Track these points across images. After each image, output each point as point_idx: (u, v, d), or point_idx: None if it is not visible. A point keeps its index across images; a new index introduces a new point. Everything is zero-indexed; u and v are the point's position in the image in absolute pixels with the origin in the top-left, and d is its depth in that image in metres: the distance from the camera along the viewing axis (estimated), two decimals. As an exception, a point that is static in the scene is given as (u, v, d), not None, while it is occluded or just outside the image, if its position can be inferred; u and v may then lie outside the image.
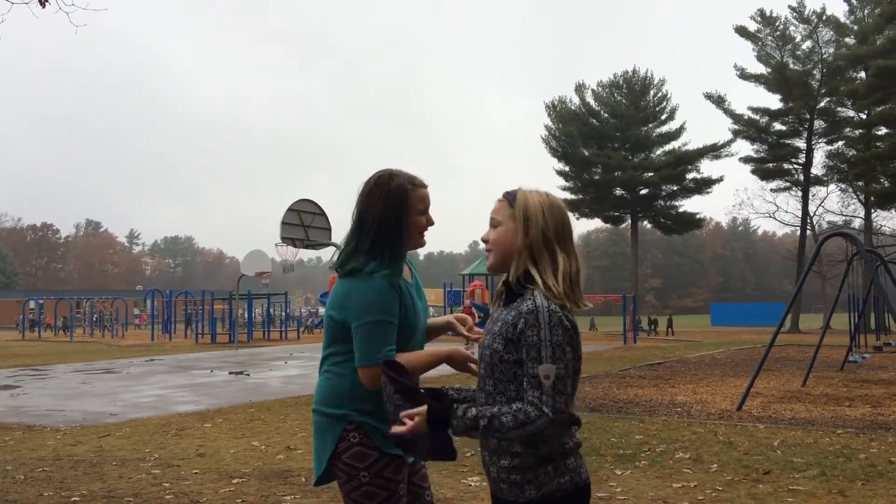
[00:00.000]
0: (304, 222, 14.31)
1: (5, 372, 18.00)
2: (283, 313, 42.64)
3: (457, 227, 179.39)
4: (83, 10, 7.35)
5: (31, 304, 47.60)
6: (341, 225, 14.71)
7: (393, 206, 2.30)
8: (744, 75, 42.75)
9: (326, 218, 14.81)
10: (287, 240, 14.49)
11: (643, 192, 48.23)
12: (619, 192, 48.53)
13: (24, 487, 5.83)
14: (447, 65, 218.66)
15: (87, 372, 17.88)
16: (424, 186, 2.40)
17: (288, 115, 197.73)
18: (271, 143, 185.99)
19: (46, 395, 12.71)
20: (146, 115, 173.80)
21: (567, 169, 48.77)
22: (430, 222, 2.41)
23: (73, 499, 5.44)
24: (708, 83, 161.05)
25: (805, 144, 41.52)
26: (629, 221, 50.57)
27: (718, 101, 43.09)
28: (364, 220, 2.33)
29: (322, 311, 48.84)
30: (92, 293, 60.94)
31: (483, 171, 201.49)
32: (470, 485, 5.77)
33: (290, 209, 14.21)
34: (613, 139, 48.92)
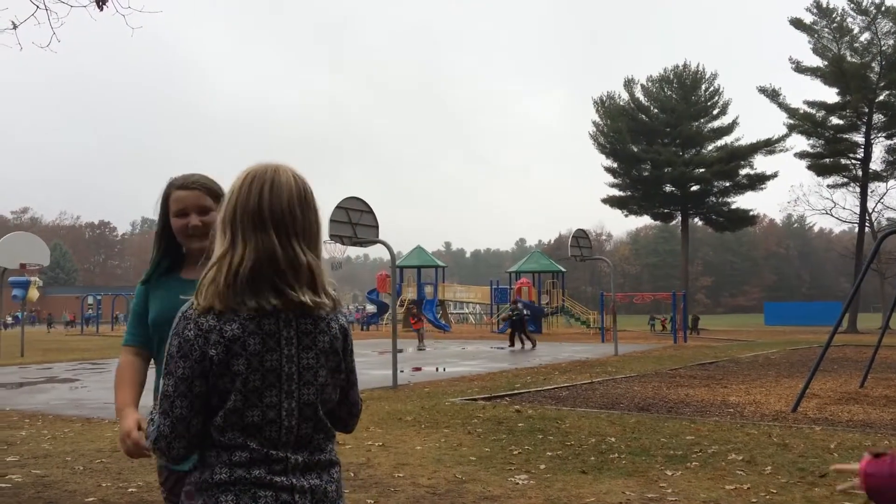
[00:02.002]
0: (351, 220, 14.39)
1: (65, 365, 18.63)
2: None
3: (503, 224, 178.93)
4: (139, 12, 7.53)
5: (90, 300, 49.12)
6: (387, 223, 14.89)
7: (161, 208, 2.40)
8: (799, 68, 41.65)
9: (374, 215, 14.87)
10: (335, 237, 14.58)
11: (694, 188, 47.43)
12: (668, 188, 47.81)
13: (83, 478, 6.02)
14: (476, 59, 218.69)
15: (143, 366, 18.37)
16: (185, 188, 2.36)
17: (318, 112, 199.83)
18: (303, 140, 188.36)
19: (104, 388, 13.09)
20: (187, 117, 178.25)
21: (615, 165, 48.25)
22: (193, 224, 2.32)
23: (129, 490, 5.60)
24: (762, 77, 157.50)
25: (863, 139, 40.28)
26: (679, 218, 49.81)
27: (773, 95, 42.09)
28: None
29: (370, 308, 49.26)
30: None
31: (522, 167, 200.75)
32: (517, 482, 5.76)
33: (338, 207, 14.30)
34: (663, 135, 48.19)
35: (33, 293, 29.98)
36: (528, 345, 24.20)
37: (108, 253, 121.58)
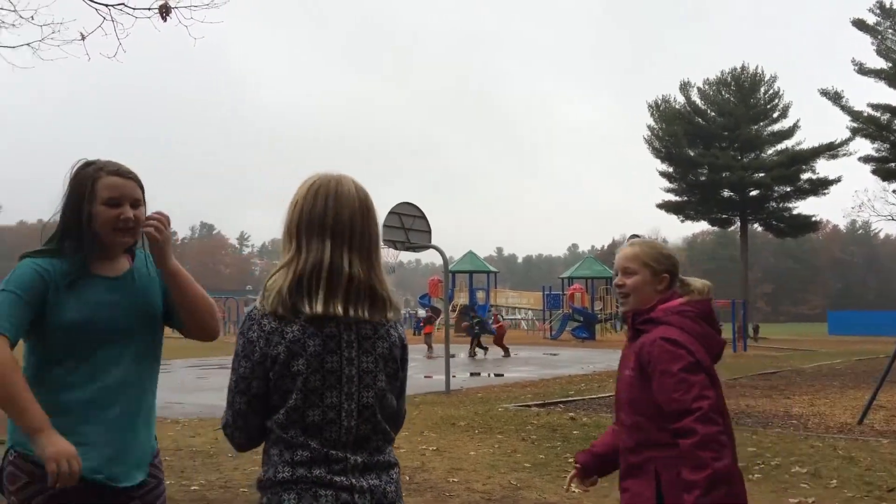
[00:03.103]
0: (404, 225, 14.48)
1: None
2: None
3: (554, 229, 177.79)
4: (200, 22, 7.73)
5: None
6: (439, 228, 14.94)
7: (75, 192, 2.08)
8: (862, 70, 40.36)
9: (427, 221, 14.94)
10: (388, 242, 14.69)
11: (753, 193, 46.37)
12: (726, 193, 46.85)
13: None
14: (524, 63, 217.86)
15: (203, 367, 18.86)
16: (119, 174, 2.09)
17: (368, 120, 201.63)
18: (354, 147, 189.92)
19: (166, 388, 13.43)
20: (244, 125, 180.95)
21: (671, 170, 47.48)
22: (125, 217, 2.07)
23: (192, 487, 5.74)
24: (823, 79, 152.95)
25: (932, 143, 38.78)
26: (738, 224, 48.70)
27: (835, 98, 40.86)
28: (61, 212, 2.12)
29: (421, 312, 49.45)
30: (206, 292, 63.92)
31: (572, 171, 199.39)
32: (574, 490, 5.70)
33: (391, 212, 14.42)
34: (721, 138, 47.25)
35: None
36: (480, 353, 23.66)
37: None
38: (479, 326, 24.03)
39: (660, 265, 2.34)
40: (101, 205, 2.05)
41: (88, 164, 2.12)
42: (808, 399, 11.86)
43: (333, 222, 1.66)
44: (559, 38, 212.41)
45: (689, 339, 2.19)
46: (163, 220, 2.12)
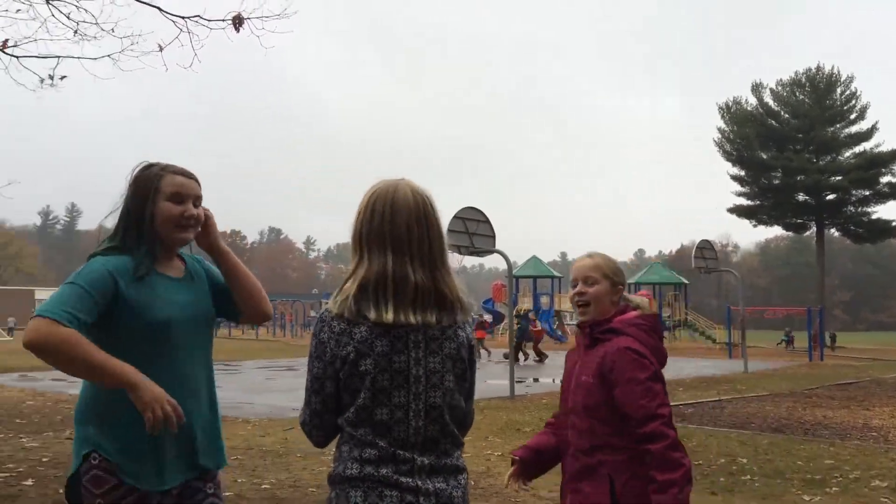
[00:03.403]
0: (468, 230, 14.50)
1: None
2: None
3: (619, 234, 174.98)
4: (271, 32, 7.92)
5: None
6: (502, 233, 14.90)
7: (139, 191, 2.12)
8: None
9: (490, 225, 14.93)
10: (453, 247, 14.61)
11: (830, 197, 44.71)
12: (801, 197, 45.33)
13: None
14: (585, 67, 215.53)
15: (271, 368, 19.27)
16: (183, 175, 2.16)
17: (431, 125, 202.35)
18: (416, 152, 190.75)
19: (237, 388, 13.79)
20: (308, 134, 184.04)
21: (743, 173, 46.20)
22: (188, 214, 2.13)
23: (263, 486, 5.86)
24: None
25: None
26: (814, 229, 47.04)
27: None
28: (123, 211, 2.16)
29: (486, 317, 49.34)
30: (273, 296, 65.28)
31: (637, 175, 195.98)
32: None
33: (455, 216, 14.46)
34: (795, 141, 45.75)
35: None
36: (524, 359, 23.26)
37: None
38: (520, 333, 23.65)
39: (617, 277, 2.47)
40: (165, 201, 2.11)
41: (151, 165, 2.18)
42: (889, 411, 11.35)
43: (391, 232, 1.69)
44: (621, 39, 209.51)
45: (647, 350, 2.34)
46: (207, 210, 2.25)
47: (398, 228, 1.69)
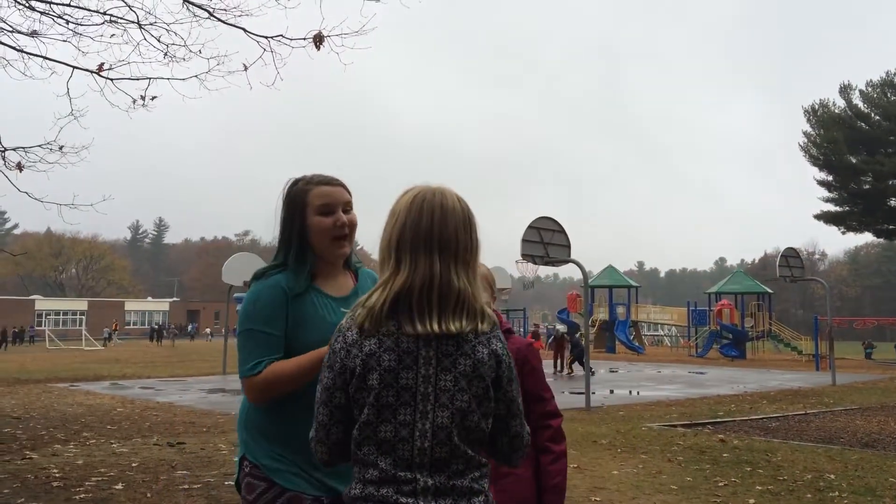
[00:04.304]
0: (543, 239, 14.45)
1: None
2: (522, 329, 43.35)
3: (699, 242, 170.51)
4: (350, 49, 8.12)
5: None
6: (577, 242, 14.76)
7: (289, 208, 2.11)
8: None
9: (566, 235, 14.83)
10: (527, 257, 14.71)
11: (925, 202, 42.37)
12: (894, 202, 43.11)
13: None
14: (658, 70, 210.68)
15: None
16: (327, 183, 2.12)
17: (500, 134, 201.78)
18: (489, 162, 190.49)
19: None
20: (382, 147, 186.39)
21: (830, 178, 44.37)
22: (341, 223, 2.09)
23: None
24: None
25: None
26: (908, 235, 44.68)
27: None
28: (280, 229, 2.15)
29: (560, 327, 48.92)
30: (350, 306, 66.48)
31: (716, 181, 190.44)
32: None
33: (530, 226, 14.43)
34: (887, 144, 43.59)
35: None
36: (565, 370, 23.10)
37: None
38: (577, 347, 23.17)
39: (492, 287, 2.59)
40: (315, 215, 2.08)
41: (297, 180, 2.15)
42: None
43: (440, 236, 1.62)
44: (703, 42, 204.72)
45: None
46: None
47: (447, 231, 1.62)
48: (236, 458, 2.16)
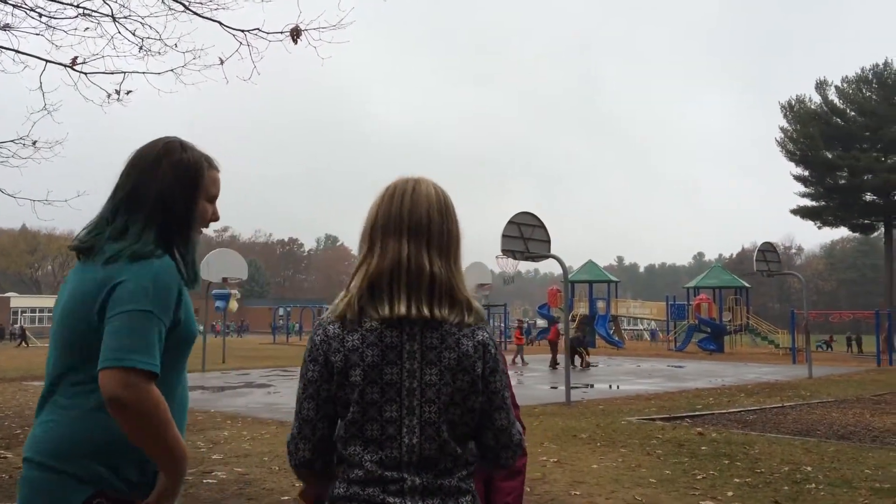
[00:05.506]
0: (523, 234, 14.45)
1: (260, 372, 20.19)
2: (502, 325, 43.43)
3: (677, 238, 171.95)
4: (328, 43, 8.05)
5: (280, 312, 52.88)
6: (557, 238, 14.80)
7: (184, 184, 1.77)
8: None
9: (546, 230, 14.84)
10: (507, 252, 14.72)
11: (899, 196, 43.03)
12: (869, 197, 43.83)
13: (279, 478, 6.47)
14: (635, 66, 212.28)
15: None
16: (217, 169, 1.89)
17: (479, 131, 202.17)
18: (465, 158, 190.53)
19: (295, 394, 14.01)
20: (360, 143, 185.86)
21: (807, 174, 44.94)
22: (216, 216, 1.89)
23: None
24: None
25: None
26: (882, 230, 45.37)
27: None
28: (141, 196, 1.74)
29: (540, 322, 49.04)
30: (331, 302, 66.33)
31: (693, 177, 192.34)
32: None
33: (510, 222, 14.43)
34: (862, 139, 44.26)
35: (233, 304, 32.75)
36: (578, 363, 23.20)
37: (297, 268, 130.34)
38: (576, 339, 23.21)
39: None
40: (205, 201, 1.85)
41: (185, 146, 1.84)
42: (967, 420, 10.86)
43: (409, 219, 1.59)
44: (680, 38, 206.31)
45: None
46: None
47: (417, 214, 1.59)
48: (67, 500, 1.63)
